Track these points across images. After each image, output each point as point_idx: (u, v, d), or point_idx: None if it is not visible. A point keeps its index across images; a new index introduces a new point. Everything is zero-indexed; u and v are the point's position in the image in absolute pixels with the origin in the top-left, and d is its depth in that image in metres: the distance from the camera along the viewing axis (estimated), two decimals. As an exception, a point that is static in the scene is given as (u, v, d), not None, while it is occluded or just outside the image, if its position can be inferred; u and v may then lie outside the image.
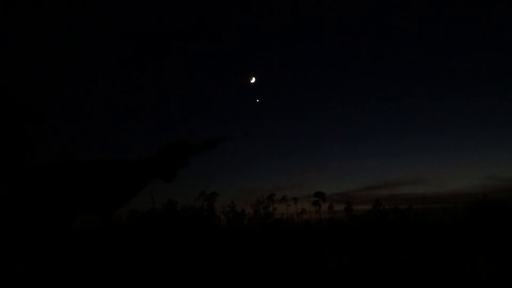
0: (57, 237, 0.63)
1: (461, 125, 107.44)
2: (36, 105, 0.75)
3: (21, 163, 0.68)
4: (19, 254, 0.59)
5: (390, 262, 6.71)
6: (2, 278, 0.57)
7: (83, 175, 0.69)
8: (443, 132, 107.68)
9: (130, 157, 0.78)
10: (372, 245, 9.73)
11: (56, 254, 0.63)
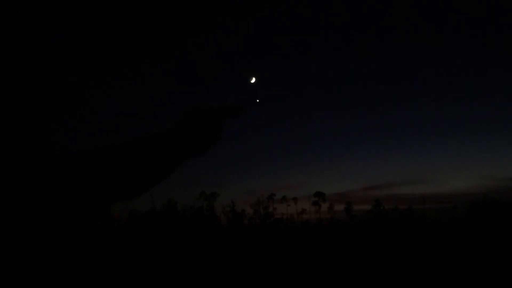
0: (60, 235, 0.63)
1: (460, 125, 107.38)
2: (53, 96, 0.72)
3: (41, 158, 0.65)
4: (22, 253, 0.59)
5: (390, 262, 6.70)
6: (4, 277, 0.57)
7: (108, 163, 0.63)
8: (443, 132, 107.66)
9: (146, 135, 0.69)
10: (372, 244, 9.73)
11: (58, 253, 0.63)
